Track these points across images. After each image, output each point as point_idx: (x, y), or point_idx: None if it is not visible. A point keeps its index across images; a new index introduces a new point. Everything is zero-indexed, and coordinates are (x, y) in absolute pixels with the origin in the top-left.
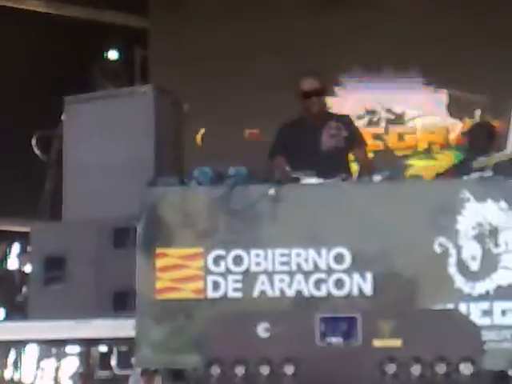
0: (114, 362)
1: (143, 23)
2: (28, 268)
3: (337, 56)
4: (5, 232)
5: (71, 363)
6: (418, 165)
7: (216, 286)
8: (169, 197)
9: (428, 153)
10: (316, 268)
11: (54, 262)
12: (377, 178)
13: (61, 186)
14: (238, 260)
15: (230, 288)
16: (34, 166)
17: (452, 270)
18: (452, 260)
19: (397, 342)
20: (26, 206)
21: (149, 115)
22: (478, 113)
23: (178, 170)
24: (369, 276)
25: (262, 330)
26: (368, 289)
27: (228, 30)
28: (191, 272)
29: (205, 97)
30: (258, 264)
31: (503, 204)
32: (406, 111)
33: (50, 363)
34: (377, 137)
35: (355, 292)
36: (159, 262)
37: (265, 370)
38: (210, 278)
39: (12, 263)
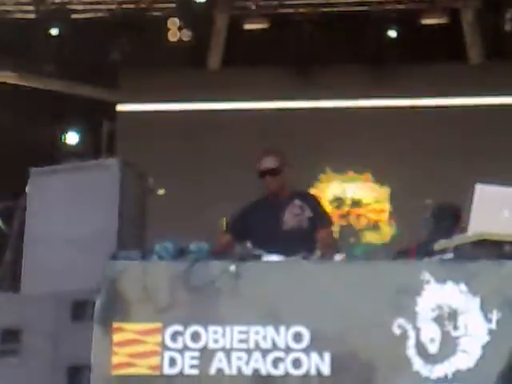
0: None
1: (112, 97)
2: None
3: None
4: None
5: None
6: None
7: (172, 362)
8: (130, 271)
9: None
10: (274, 346)
11: (10, 335)
12: (338, 257)
13: (21, 257)
14: (195, 336)
15: (187, 365)
16: None
17: (410, 352)
18: (411, 342)
19: None
20: None
21: (113, 188)
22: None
23: (141, 244)
24: (327, 356)
25: None
26: (326, 369)
27: (197, 105)
28: (148, 347)
29: (169, 172)
30: (215, 341)
31: (463, 287)
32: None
33: None
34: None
35: (313, 372)
36: (116, 337)
37: None
38: (167, 354)
39: None
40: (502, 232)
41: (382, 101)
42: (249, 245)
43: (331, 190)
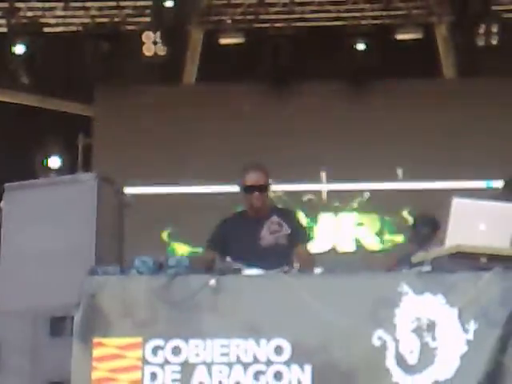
0: None
1: (87, 112)
2: None
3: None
4: None
5: None
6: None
7: (153, 377)
8: (108, 286)
9: None
10: (255, 359)
11: None
12: (317, 270)
13: None
14: (176, 350)
15: (168, 379)
16: None
17: (390, 363)
18: (390, 353)
19: None
20: None
21: (90, 203)
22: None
23: (119, 259)
24: (308, 368)
25: None
26: (307, 381)
27: (173, 119)
28: (129, 362)
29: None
30: (196, 355)
31: (441, 298)
32: None
33: None
34: None
35: None
36: (96, 352)
37: None
38: (148, 369)
39: None
40: (479, 244)
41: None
42: (228, 259)
43: None
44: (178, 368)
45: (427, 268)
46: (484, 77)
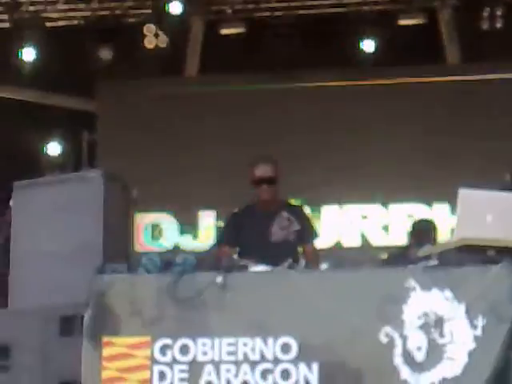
0: None
1: (90, 107)
2: None
3: None
4: None
5: None
6: None
7: (162, 376)
8: (117, 284)
9: None
10: (263, 358)
11: None
12: (323, 266)
13: (8, 272)
14: (184, 349)
15: (177, 378)
16: None
17: (397, 360)
18: (398, 350)
19: None
20: None
21: (98, 201)
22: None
23: (126, 256)
24: (315, 366)
25: None
26: (314, 379)
27: (177, 114)
28: (138, 361)
29: (154, 182)
30: (204, 353)
31: (448, 293)
32: None
33: None
34: None
35: (301, 383)
36: (106, 351)
37: None
38: (157, 368)
39: None
40: (486, 237)
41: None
42: (235, 256)
43: None
44: (186, 367)
45: (434, 262)
46: (488, 61)
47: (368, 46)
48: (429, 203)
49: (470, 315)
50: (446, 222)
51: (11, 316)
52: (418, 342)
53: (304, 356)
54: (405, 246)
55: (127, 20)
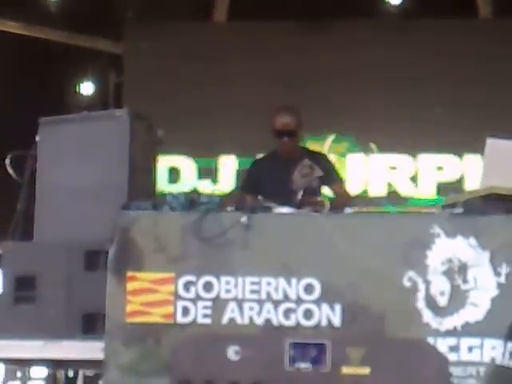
0: None
1: (118, 49)
2: None
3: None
4: None
5: None
6: None
7: (185, 311)
8: (141, 221)
9: None
10: (286, 297)
11: (25, 282)
12: (348, 210)
13: (33, 206)
14: (208, 286)
15: (200, 314)
16: (7, 186)
17: (420, 304)
18: (421, 295)
19: (365, 370)
20: None
21: (123, 139)
22: None
23: (151, 195)
24: (338, 307)
25: (232, 352)
26: (337, 320)
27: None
28: (161, 297)
29: (180, 123)
30: (227, 291)
31: (473, 241)
32: None
33: None
34: None
35: (324, 323)
36: (130, 286)
37: None
38: (180, 304)
39: None
40: None
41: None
42: (260, 197)
43: None
44: (210, 303)
45: (459, 210)
46: None
47: None
48: (459, 154)
49: (494, 263)
50: (478, 173)
51: (37, 249)
52: (441, 287)
53: (327, 297)
54: None
55: None
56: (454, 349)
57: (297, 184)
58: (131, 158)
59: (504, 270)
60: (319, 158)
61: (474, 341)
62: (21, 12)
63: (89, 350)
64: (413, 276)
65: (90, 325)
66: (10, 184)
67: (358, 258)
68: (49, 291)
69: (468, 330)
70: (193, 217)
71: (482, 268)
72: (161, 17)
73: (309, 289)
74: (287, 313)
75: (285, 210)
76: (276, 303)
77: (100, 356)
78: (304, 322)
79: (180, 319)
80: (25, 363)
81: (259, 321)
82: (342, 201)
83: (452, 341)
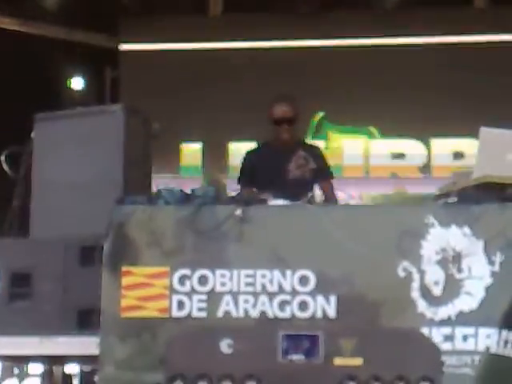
0: (76, 382)
1: (113, 43)
2: None
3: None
4: None
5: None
6: None
7: (181, 305)
8: (136, 215)
9: None
10: (280, 289)
11: (20, 278)
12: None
13: (29, 202)
14: (203, 280)
15: (195, 308)
16: (2, 183)
17: (415, 294)
18: (415, 284)
19: (357, 361)
20: None
21: (118, 134)
22: None
23: (146, 189)
24: (333, 299)
25: (225, 345)
26: (332, 311)
27: (199, 52)
28: (156, 291)
29: (175, 117)
30: (223, 284)
31: (467, 230)
32: None
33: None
34: None
35: (319, 314)
36: (125, 280)
37: None
38: (175, 298)
39: None
40: (506, 175)
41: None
42: (255, 190)
43: None
44: (205, 297)
45: (453, 199)
46: None
47: None
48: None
49: (488, 251)
50: None
51: (32, 245)
52: (435, 277)
53: (322, 288)
54: None
55: None
56: (449, 338)
57: (292, 174)
58: (126, 152)
59: (498, 258)
60: (314, 151)
61: (469, 330)
62: (15, 8)
63: (84, 345)
64: (407, 266)
65: (86, 320)
66: (5, 180)
67: (353, 248)
68: (44, 287)
69: (462, 319)
70: (187, 210)
71: (476, 257)
72: (157, 10)
73: (304, 280)
74: (282, 305)
75: (279, 202)
76: (271, 295)
77: (96, 351)
78: (299, 314)
79: (175, 313)
80: (21, 360)
81: (254, 313)
82: (328, 196)
83: (447, 330)
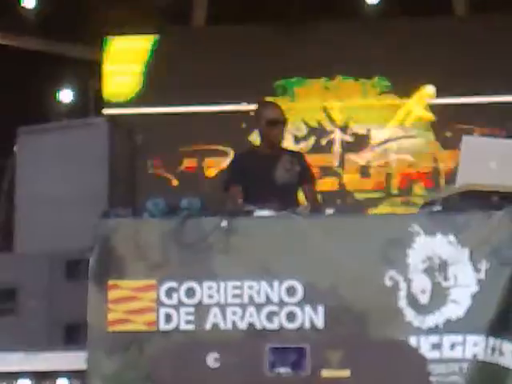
0: None
1: (96, 56)
2: None
3: None
4: None
5: None
6: None
7: (168, 318)
8: (121, 229)
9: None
10: (268, 300)
11: (5, 294)
12: (329, 211)
13: (13, 217)
14: (190, 292)
15: (183, 320)
16: None
17: (402, 303)
18: (402, 293)
19: (345, 373)
20: None
21: (102, 147)
22: None
23: (131, 202)
24: (320, 309)
25: (212, 360)
26: (319, 322)
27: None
28: (143, 304)
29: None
30: (210, 296)
31: (452, 238)
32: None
33: None
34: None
35: (307, 325)
36: (111, 294)
37: None
38: (163, 311)
39: None
40: (490, 183)
41: None
42: (240, 201)
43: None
44: (192, 309)
45: (438, 208)
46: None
47: None
48: None
49: (474, 259)
50: None
51: (17, 260)
52: (422, 286)
53: (309, 299)
54: None
55: None
56: (437, 346)
57: (281, 179)
58: (111, 165)
59: (484, 266)
60: (296, 155)
61: (456, 338)
62: None
63: (72, 360)
64: (394, 275)
65: (73, 335)
66: None
67: (340, 258)
68: (30, 303)
69: (450, 327)
70: (173, 223)
71: (462, 265)
72: (139, 23)
73: (291, 291)
74: (270, 316)
75: (265, 213)
76: (258, 306)
77: (83, 366)
78: (287, 325)
79: (163, 326)
80: (9, 376)
81: (242, 325)
82: (313, 202)
83: (434, 338)
